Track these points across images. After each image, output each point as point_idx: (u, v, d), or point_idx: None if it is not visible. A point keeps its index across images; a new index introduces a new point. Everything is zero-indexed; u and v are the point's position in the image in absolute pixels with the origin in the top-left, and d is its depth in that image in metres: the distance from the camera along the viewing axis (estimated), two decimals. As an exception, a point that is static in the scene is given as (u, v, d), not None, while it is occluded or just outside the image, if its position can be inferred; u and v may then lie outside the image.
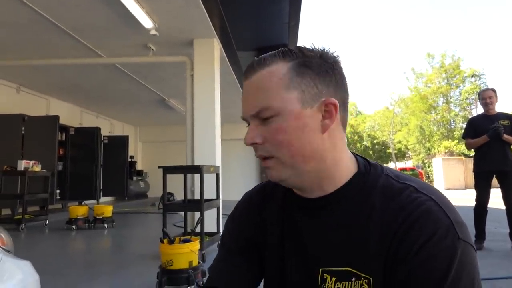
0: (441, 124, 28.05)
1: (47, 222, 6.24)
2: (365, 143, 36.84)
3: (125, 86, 7.85)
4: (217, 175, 4.52)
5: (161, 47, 5.47)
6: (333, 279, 0.65)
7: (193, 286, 2.57)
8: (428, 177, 22.89)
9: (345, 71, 0.70)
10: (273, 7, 4.97)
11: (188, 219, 4.35)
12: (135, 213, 8.73)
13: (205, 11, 4.38)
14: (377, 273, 0.61)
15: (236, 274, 0.78)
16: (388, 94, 69.29)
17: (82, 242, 5.19)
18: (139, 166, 12.72)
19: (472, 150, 4.21)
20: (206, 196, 3.83)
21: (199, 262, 2.75)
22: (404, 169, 25.30)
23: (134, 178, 11.48)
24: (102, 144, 9.60)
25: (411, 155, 31.82)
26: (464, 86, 27.82)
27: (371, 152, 35.53)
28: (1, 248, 1.31)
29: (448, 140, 23.91)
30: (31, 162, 6.01)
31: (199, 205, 3.75)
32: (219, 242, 4.33)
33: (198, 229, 3.46)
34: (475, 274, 0.58)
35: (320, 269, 0.67)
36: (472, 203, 4.08)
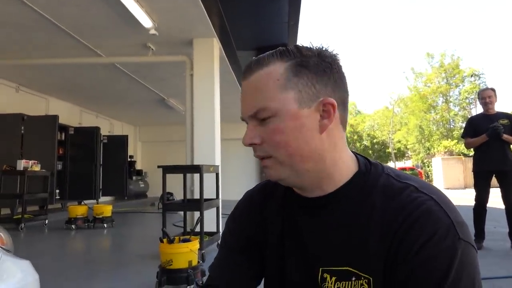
0: (441, 123, 28.06)
1: (47, 221, 6.24)
2: (364, 142, 36.85)
3: (124, 86, 7.85)
4: (217, 174, 4.52)
5: (161, 47, 5.47)
6: (333, 278, 0.65)
7: (192, 286, 2.57)
8: (428, 176, 22.88)
9: (345, 70, 0.69)
10: (272, 6, 4.96)
11: (188, 218, 4.34)
12: (134, 212, 8.72)
13: (205, 11, 4.38)
14: (377, 273, 0.61)
15: (237, 272, 0.78)
16: (388, 94, 69.32)
17: (81, 242, 5.19)
18: (138, 166, 12.71)
19: (472, 149, 4.21)
20: (205, 196, 3.83)
21: (198, 262, 2.75)
22: (404, 169, 25.28)
23: (134, 177, 11.47)
24: (101, 144, 9.61)
25: (411, 155, 31.83)
26: (464, 85, 27.83)
27: (370, 151, 35.53)
28: (1, 247, 1.31)
29: (447, 140, 23.94)
30: (31, 162, 6.00)
31: (198, 204, 3.75)
32: (218, 241, 4.34)
33: (197, 229, 3.46)
34: (476, 274, 0.58)
35: (320, 269, 0.67)
36: (472, 202, 4.08)
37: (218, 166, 4.65)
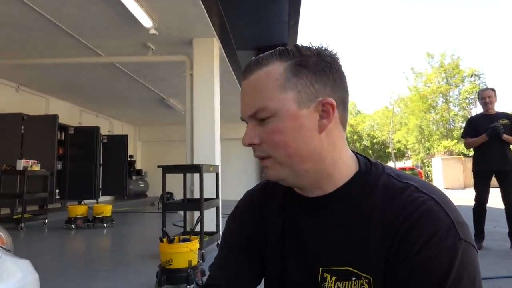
0: (441, 123, 28.07)
1: (46, 221, 6.23)
2: (364, 142, 36.85)
3: (124, 86, 7.84)
4: (217, 174, 4.51)
5: (161, 46, 5.46)
6: (333, 278, 0.65)
7: (192, 286, 2.57)
8: (427, 176, 22.89)
9: (345, 70, 0.69)
10: (272, 6, 4.96)
11: (188, 218, 4.34)
12: (134, 212, 8.72)
13: (205, 10, 4.37)
14: (377, 273, 0.61)
15: (238, 272, 0.78)
16: (388, 94, 69.34)
17: (81, 242, 5.19)
18: (138, 166, 12.70)
19: (471, 149, 4.21)
20: (205, 196, 3.83)
21: (198, 262, 2.75)
22: (404, 169, 25.26)
23: (134, 177, 11.46)
24: (101, 144, 9.60)
25: (411, 155, 31.84)
26: (464, 85, 27.85)
27: (370, 151, 35.53)
28: (1, 247, 1.30)
29: (447, 140, 23.94)
30: (30, 162, 6.00)
31: (198, 204, 3.75)
32: (218, 241, 4.33)
33: (197, 229, 3.46)
34: (476, 274, 0.57)
35: (320, 268, 0.67)
36: (471, 202, 4.08)
37: (218, 166, 4.65)
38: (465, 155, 19.46)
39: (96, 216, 6.01)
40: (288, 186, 0.74)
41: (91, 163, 8.90)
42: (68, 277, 3.16)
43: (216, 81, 5.16)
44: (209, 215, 4.23)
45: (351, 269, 0.63)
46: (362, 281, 0.62)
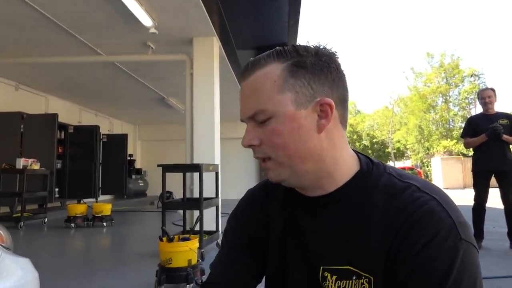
0: (440, 123, 28.10)
1: (46, 220, 6.23)
2: (364, 142, 36.86)
3: (124, 85, 7.84)
4: (216, 173, 4.51)
5: (161, 45, 5.46)
6: (334, 277, 0.65)
7: (192, 284, 2.57)
8: (427, 176, 22.90)
9: (344, 69, 0.68)
10: (272, 5, 4.96)
11: (187, 217, 4.34)
12: (134, 211, 8.72)
13: (205, 9, 4.37)
14: (378, 273, 0.61)
15: (239, 270, 0.78)
16: (388, 93, 69.35)
17: (81, 240, 5.19)
18: (138, 165, 12.71)
19: (471, 149, 4.22)
20: (205, 195, 3.82)
21: (198, 261, 2.75)
22: (403, 169, 25.12)
23: (133, 176, 11.47)
24: (101, 143, 9.60)
25: (410, 155, 31.85)
26: (463, 85, 27.89)
27: (370, 151, 35.54)
28: (1, 245, 1.31)
29: (447, 140, 23.97)
30: (30, 160, 6.00)
31: (198, 203, 3.75)
32: (218, 240, 4.33)
33: (197, 228, 3.46)
34: (477, 274, 0.57)
35: (321, 267, 0.67)
36: (471, 202, 4.08)
37: (217, 165, 4.65)
38: (464, 155, 19.48)
39: (96, 215, 6.01)
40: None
41: (91, 162, 8.89)
42: (67, 276, 3.16)
43: (216, 80, 5.16)
44: (209, 214, 4.23)
45: (352, 268, 0.63)
46: (362, 280, 0.62)
